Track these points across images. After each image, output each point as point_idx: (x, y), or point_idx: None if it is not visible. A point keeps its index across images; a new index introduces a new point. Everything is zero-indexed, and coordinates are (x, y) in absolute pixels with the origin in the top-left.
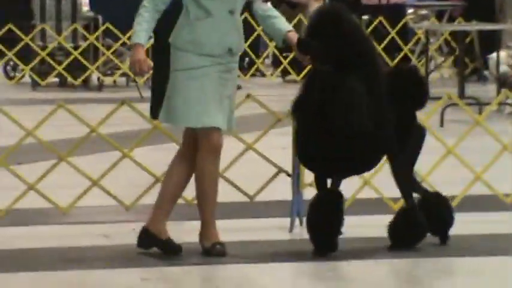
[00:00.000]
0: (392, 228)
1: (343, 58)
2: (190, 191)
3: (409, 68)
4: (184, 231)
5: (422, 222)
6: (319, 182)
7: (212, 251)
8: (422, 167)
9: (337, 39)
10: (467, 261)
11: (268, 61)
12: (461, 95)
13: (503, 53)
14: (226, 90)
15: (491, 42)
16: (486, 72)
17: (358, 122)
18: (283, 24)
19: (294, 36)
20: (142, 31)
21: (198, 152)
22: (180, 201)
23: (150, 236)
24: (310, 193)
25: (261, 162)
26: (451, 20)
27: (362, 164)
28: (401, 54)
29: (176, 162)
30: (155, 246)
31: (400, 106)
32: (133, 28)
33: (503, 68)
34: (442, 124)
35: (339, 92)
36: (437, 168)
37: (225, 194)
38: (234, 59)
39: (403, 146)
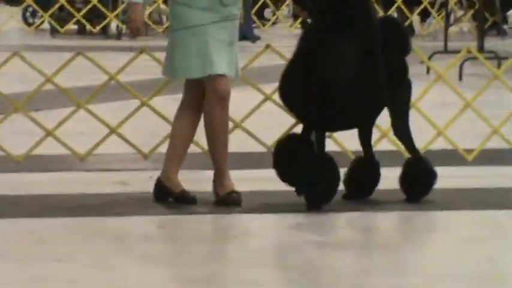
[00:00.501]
0: (404, 180)
1: (335, 12)
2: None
3: (388, 17)
4: (200, 181)
5: (432, 170)
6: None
7: (228, 200)
8: (440, 120)
9: None
10: (476, 215)
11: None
12: (481, 49)
13: None
14: (227, 37)
15: None
16: (505, 27)
17: (346, 82)
18: None
19: None
20: None
21: (206, 101)
22: (197, 150)
23: (164, 189)
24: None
25: (279, 112)
26: None
27: (353, 120)
28: (421, 7)
29: (181, 114)
30: (170, 199)
31: (388, 58)
32: None
33: None
34: (460, 78)
35: (329, 51)
36: (455, 122)
37: (243, 144)
38: (228, 9)
39: (396, 98)
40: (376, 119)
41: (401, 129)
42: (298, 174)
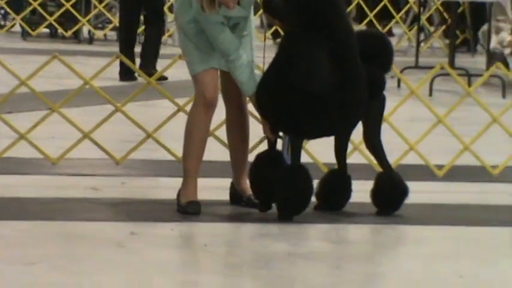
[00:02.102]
0: (376, 193)
1: (308, 20)
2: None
3: (374, 31)
4: (163, 188)
5: (403, 184)
6: (270, 143)
7: (187, 209)
8: (411, 135)
9: (301, 1)
10: (446, 230)
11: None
12: (451, 65)
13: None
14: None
15: (483, 13)
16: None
17: (313, 84)
18: None
19: None
20: None
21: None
22: (168, 157)
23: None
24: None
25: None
26: None
27: (328, 127)
28: (392, 22)
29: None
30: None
31: (368, 70)
32: None
33: (493, 44)
34: (430, 93)
35: (301, 57)
36: (426, 138)
37: (216, 152)
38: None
39: (370, 112)
40: (352, 131)
41: (374, 142)
42: (273, 186)
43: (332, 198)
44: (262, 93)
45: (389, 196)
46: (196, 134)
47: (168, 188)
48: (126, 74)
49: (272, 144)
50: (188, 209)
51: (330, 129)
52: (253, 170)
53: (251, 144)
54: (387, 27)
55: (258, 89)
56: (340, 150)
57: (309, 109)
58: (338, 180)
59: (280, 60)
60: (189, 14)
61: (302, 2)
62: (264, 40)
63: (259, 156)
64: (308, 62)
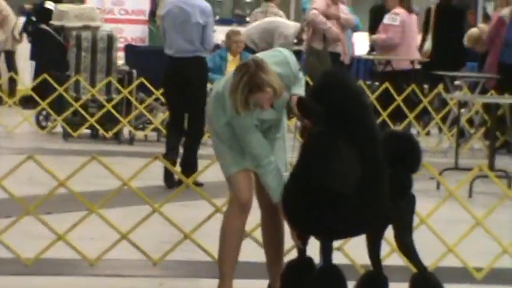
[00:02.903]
0: None
1: (332, 116)
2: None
3: (402, 132)
4: None
5: (440, 284)
6: (299, 250)
7: None
8: (449, 237)
9: (336, 103)
10: None
11: None
12: (491, 167)
13: None
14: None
15: None
16: None
17: (337, 183)
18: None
19: (294, 98)
20: None
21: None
22: (205, 258)
23: None
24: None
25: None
26: (484, 91)
27: (355, 227)
28: (432, 123)
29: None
30: None
31: (395, 171)
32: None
33: None
34: (470, 195)
35: (326, 157)
36: (465, 240)
37: (253, 253)
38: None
39: (399, 212)
40: (383, 232)
41: (405, 243)
42: None
43: None
44: (289, 194)
45: None
46: (231, 237)
47: None
48: (168, 178)
49: (302, 251)
50: None
51: (355, 228)
52: (284, 277)
53: (287, 246)
54: (427, 128)
55: (285, 190)
56: (373, 252)
57: (334, 207)
58: (374, 281)
59: (304, 159)
60: (223, 118)
61: (328, 100)
62: (294, 139)
63: (290, 264)
64: (332, 160)
